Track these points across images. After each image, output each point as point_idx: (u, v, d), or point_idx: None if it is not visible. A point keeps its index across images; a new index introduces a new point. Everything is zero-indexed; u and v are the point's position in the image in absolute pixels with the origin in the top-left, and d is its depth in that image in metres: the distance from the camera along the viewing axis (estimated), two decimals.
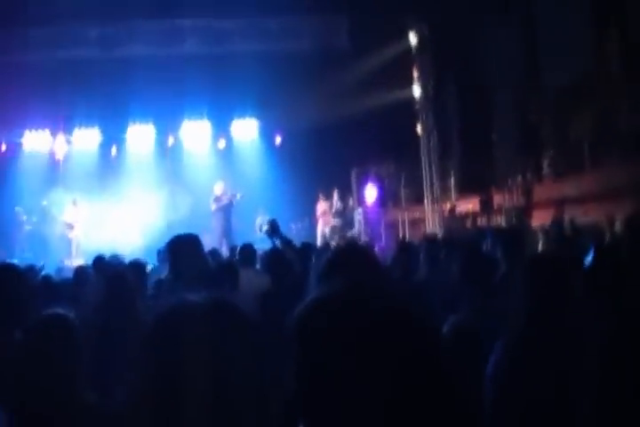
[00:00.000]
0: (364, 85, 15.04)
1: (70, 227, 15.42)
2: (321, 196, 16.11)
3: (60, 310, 2.81)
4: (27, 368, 2.64)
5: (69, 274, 7.48)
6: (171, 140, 17.65)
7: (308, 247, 6.77)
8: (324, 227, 15.91)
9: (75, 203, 15.56)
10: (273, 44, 15.88)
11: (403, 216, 15.19)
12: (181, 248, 4.00)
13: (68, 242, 15.41)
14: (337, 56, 15.61)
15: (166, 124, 17.47)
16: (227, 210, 15.25)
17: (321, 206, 16.09)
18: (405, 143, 15.57)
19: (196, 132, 17.65)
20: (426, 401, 1.22)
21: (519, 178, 12.95)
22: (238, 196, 15.18)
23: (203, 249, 4.13)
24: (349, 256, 2.74)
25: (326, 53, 15.74)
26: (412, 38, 15.68)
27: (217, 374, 1.29)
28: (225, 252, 10.87)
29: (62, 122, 16.94)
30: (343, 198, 16.16)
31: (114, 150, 17.35)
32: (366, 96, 15.03)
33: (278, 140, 17.76)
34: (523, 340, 2.85)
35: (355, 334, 1.23)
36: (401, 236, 14.20)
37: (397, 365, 1.22)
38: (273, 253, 5.78)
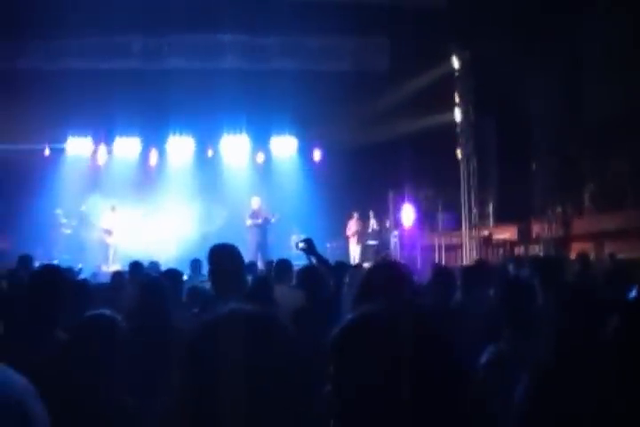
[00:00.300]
0: (403, 108, 15.05)
1: (108, 233, 15.60)
2: (355, 215, 16.07)
3: (106, 311, 2.85)
4: (72, 366, 2.68)
5: (104, 279, 7.56)
6: (210, 153, 17.81)
7: (343, 266, 6.73)
8: (355, 246, 15.87)
9: (113, 209, 15.75)
10: (313, 62, 16.10)
11: (439, 241, 15.10)
12: (222, 256, 3.98)
13: (106, 247, 15.59)
14: (377, 77, 15.71)
15: (206, 136, 17.67)
16: (262, 226, 15.31)
17: (352, 226, 16.06)
18: (444, 168, 15.47)
19: (234, 146, 17.81)
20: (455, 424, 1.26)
21: (559, 209, 12.81)
22: (273, 219, 15.25)
23: (242, 259, 4.09)
24: (387, 277, 2.73)
25: (367, 74, 15.90)
26: (455, 63, 15.64)
27: (255, 385, 1.30)
28: (260, 266, 10.90)
29: (104, 130, 17.22)
30: (379, 220, 16.10)
31: (153, 160, 17.56)
32: (406, 118, 15.04)
33: (316, 157, 17.84)
34: (549, 373, 2.80)
35: (389, 356, 1.26)
36: (437, 260, 14.06)
37: (427, 386, 1.25)
38: (308, 270, 5.76)
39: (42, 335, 3.20)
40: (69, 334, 2.93)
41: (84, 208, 16.22)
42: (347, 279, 5.88)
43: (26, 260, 8.55)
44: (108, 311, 2.84)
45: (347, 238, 16.25)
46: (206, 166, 17.62)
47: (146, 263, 8.87)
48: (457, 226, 15.51)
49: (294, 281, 6.64)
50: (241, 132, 17.67)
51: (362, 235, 15.93)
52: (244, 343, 1.34)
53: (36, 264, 8.76)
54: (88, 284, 6.39)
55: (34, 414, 1.27)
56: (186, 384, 1.36)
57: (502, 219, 14.53)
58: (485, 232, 14.46)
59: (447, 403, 1.26)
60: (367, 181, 15.75)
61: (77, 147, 17.41)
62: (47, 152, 17.14)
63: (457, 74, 15.72)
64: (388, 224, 16.30)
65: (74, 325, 2.93)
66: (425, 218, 15.85)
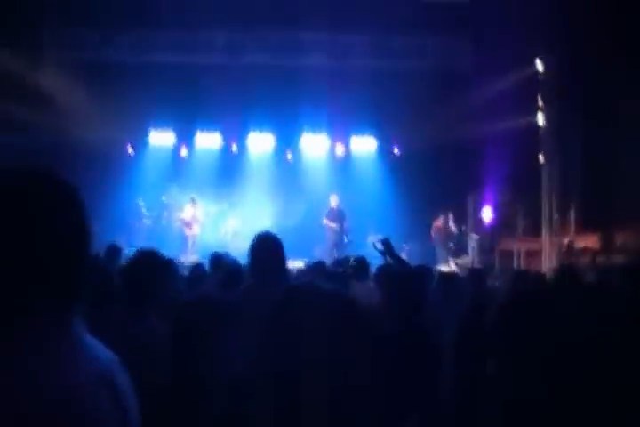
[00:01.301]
0: (485, 109, 14.84)
1: (187, 224, 15.91)
2: (441, 216, 15.93)
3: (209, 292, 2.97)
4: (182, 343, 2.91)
5: (183, 271, 7.70)
6: (288, 152, 17.97)
7: (424, 269, 6.68)
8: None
9: (193, 201, 16.03)
10: (394, 61, 16.04)
11: (518, 246, 14.80)
12: (263, 247, 4.04)
13: (185, 239, 15.93)
14: (459, 78, 15.60)
15: (286, 133, 17.80)
16: (340, 222, 15.33)
17: (438, 223, 15.92)
18: (525, 172, 15.19)
19: (314, 144, 17.95)
20: None
21: None
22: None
23: (282, 250, 4.09)
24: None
25: (448, 74, 15.78)
26: (539, 65, 15.33)
27: (329, 356, 1.47)
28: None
29: (186, 124, 17.52)
30: (457, 223, 15.91)
31: (233, 155, 17.78)
32: (487, 120, 14.83)
33: (395, 157, 17.80)
34: None
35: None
36: (516, 266, 13.80)
37: None
38: (387, 269, 5.74)
39: (137, 319, 3.29)
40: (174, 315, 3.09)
41: (164, 199, 16.59)
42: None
43: (114, 249, 8.67)
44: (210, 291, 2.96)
45: (432, 239, 16.09)
46: (285, 163, 17.80)
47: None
48: (537, 232, 15.20)
49: (372, 280, 6.66)
50: (321, 131, 17.78)
51: (444, 237, 15.75)
52: (321, 310, 1.51)
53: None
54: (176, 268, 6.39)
55: (120, 384, 1.38)
56: (266, 343, 1.54)
57: (584, 226, 14.16)
58: (566, 239, 14.11)
59: None
60: (446, 183, 15.58)
61: (159, 140, 17.78)
62: (130, 150, 17.54)
63: (540, 77, 15.39)
64: (463, 228, 16.06)
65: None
66: (504, 223, 15.57)
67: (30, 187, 1.38)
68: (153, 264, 3.55)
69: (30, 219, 1.34)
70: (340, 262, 7.62)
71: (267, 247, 4.03)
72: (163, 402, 2.62)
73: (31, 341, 1.29)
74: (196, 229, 15.98)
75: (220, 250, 9.60)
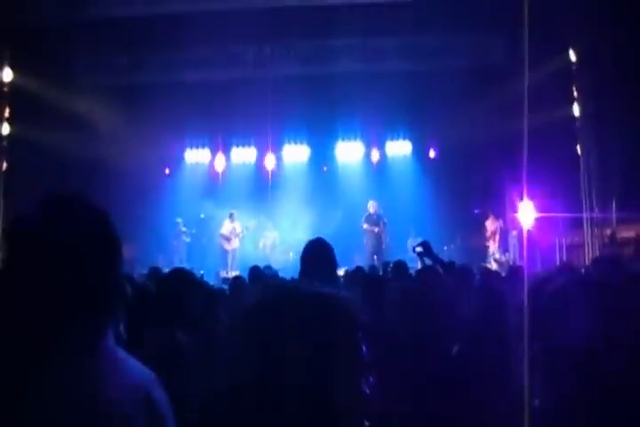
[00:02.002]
0: (520, 103, 14.63)
1: (227, 239, 16.09)
2: (491, 214, 15.83)
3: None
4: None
5: (224, 285, 7.82)
6: (324, 161, 18.07)
7: (466, 270, 6.68)
8: (494, 246, 15.63)
9: (232, 217, 16.21)
10: (426, 62, 15.98)
11: (560, 240, 14.66)
12: (312, 253, 4.10)
13: (224, 254, 16.12)
14: (493, 73, 15.45)
15: (320, 143, 17.93)
16: (378, 228, 15.34)
17: (490, 225, 15.80)
18: (564, 164, 15.00)
19: (349, 151, 18.05)
20: None
21: None
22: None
23: (333, 256, 4.14)
24: None
25: (482, 71, 15.71)
26: (572, 55, 15.14)
27: (311, 364, 1.33)
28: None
29: (221, 140, 17.71)
30: (498, 219, 15.80)
31: (269, 167, 17.87)
32: (523, 114, 14.63)
33: (431, 157, 17.76)
34: None
35: None
36: (558, 261, 13.64)
37: None
38: (426, 271, 5.74)
39: (163, 336, 3.39)
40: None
41: (202, 216, 16.80)
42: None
43: (156, 271, 8.78)
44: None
45: (486, 239, 15.98)
46: (321, 172, 17.92)
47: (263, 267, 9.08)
48: (578, 225, 15.01)
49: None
50: (355, 138, 17.87)
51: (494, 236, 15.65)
52: (298, 318, 1.35)
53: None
54: (210, 288, 6.56)
55: (156, 398, 1.44)
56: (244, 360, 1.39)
57: (627, 216, 13.94)
58: (608, 231, 13.91)
59: None
60: (484, 180, 15.53)
61: (195, 158, 18.02)
62: (167, 171, 17.82)
63: (575, 66, 15.22)
64: (503, 224, 15.93)
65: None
66: (544, 217, 15.38)
67: (63, 213, 1.47)
68: (180, 283, 3.64)
69: (67, 240, 1.43)
70: (378, 267, 7.62)
71: (318, 253, 4.09)
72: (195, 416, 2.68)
73: (63, 355, 1.37)
74: (235, 244, 16.17)
75: (258, 264, 9.71)
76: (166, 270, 10.01)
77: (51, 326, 1.38)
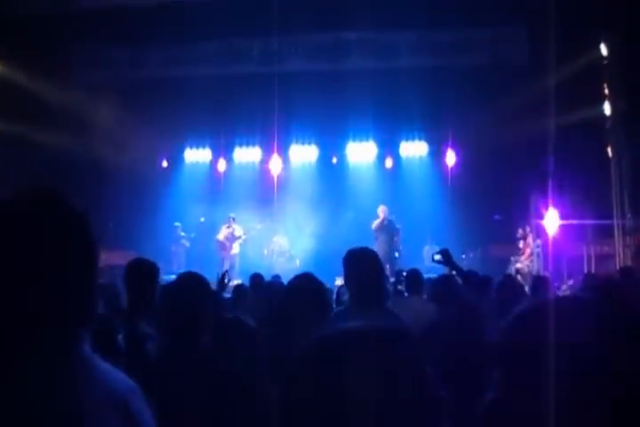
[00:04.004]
0: (545, 102, 14.58)
1: (222, 246, 16.02)
2: (531, 233, 15.65)
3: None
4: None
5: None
6: (334, 160, 18.02)
7: (487, 280, 6.65)
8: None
9: (229, 221, 16.10)
10: (445, 58, 15.91)
11: (588, 250, 14.53)
12: (362, 262, 3.88)
13: (221, 261, 16.02)
14: (516, 70, 15.35)
15: (329, 143, 17.88)
16: (390, 234, 15.20)
17: (531, 243, 15.54)
18: (593, 168, 14.87)
19: (360, 152, 17.99)
20: None
21: None
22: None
23: (382, 266, 3.97)
24: None
25: (504, 67, 15.57)
26: (603, 50, 15.03)
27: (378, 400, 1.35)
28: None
29: (223, 140, 17.67)
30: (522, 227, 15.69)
31: (274, 169, 17.78)
32: (548, 114, 14.56)
33: (449, 160, 17.61)
34: None
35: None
36: (586, 271, 13.48)
37: None
38: (443, 282, 5.70)
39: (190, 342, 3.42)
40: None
41: (202, 220, 16.74)
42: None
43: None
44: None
45: (518, 255, 15.71)
46: (330, 175, 17.81)
47: (268, 277, 9.08)
48: (608, 233, 14.87)
49: (426, 293, 6.63)
50: (367, 139, 17.79)
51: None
52: (356, 360, 1.38)
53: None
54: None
55: (135, 407, 1.43)
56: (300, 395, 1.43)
57: None
58: None
59: None
60: (506, 185, 15.37)
61: (195, 157, 18.03)
62: (164, 164, 17.79)
63: (605, 62, 15.12)
64: (527, 230, 15.80)
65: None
66: (571, 225, 15.24)
67: (32, 212, 1.43)
68: (193, 289, 3.63)
69: (34, 244, 1.39)
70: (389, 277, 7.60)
71: (366, 264, 3.86)
72: None
73: (33, 366, 1.35)
74: (234, 249, 16.04)
75: (263, 272, 9.68)
76: (167, 278, 10.07)
77: (16, 337, 1.35)
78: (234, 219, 16.18)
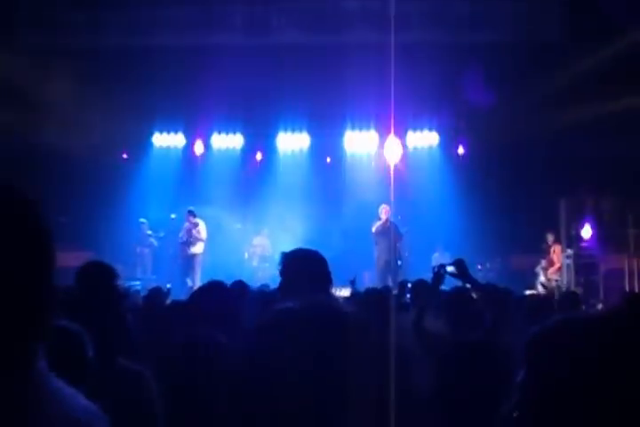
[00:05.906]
0: (577, 90, 14.57)
1: (186, 245, 15.73)
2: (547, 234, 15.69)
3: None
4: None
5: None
6: (328, 153, 18.04)
7: (505, 295, 6.55)
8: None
9: (190, 215, 15.80)
10: (461, 34, 15.91)
11: (630, 264, 14.45)
12: (294, 265, 3.89)
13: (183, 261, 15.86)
14: (544, 51, 15.40)
15: (323, 131, 17.77)
16: (392, 239, 15.04)
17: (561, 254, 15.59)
18: (634, 170, 14.73)
19: (360, 143, 17.99)
20: None
21: None
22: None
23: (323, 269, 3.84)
24: None
25: (530, 48, 15.58)
26: None
27: (314, 373, 1.64)
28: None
29: (199, 123, 17.53)
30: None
31: (258, 159, 17.89)
32: (580, 104, 14.54)
33: (462, 156, 17.76)
34: None
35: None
36: (627, 288, 13.43)
37: None
38: (457, 296, 5.54)
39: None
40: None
41: (174, 216, 16.52)
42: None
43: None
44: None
45: (545, 266, 15.75)
46: (323, 168, 17.87)
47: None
48: None
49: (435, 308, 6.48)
50: (368, 127, 17.72)
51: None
52: (296, 336, 1.68)
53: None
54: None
55: None
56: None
57: None
58: None
59: None
60: (530, 186, 15.46)
61: (166, 143, 17.89)
62: (126, 153, 17.66)
63: None
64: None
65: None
66: (608, 235, 15.15)
67: None
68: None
69: None
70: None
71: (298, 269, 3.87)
72: None
73: None
74: (196, 249, 15.73)
75: (243, 278, 9.53)
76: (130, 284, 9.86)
77: None
78: (192, 212, 15.78)
